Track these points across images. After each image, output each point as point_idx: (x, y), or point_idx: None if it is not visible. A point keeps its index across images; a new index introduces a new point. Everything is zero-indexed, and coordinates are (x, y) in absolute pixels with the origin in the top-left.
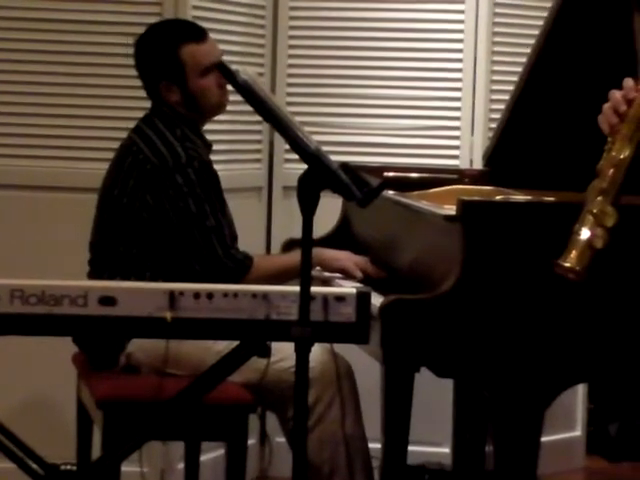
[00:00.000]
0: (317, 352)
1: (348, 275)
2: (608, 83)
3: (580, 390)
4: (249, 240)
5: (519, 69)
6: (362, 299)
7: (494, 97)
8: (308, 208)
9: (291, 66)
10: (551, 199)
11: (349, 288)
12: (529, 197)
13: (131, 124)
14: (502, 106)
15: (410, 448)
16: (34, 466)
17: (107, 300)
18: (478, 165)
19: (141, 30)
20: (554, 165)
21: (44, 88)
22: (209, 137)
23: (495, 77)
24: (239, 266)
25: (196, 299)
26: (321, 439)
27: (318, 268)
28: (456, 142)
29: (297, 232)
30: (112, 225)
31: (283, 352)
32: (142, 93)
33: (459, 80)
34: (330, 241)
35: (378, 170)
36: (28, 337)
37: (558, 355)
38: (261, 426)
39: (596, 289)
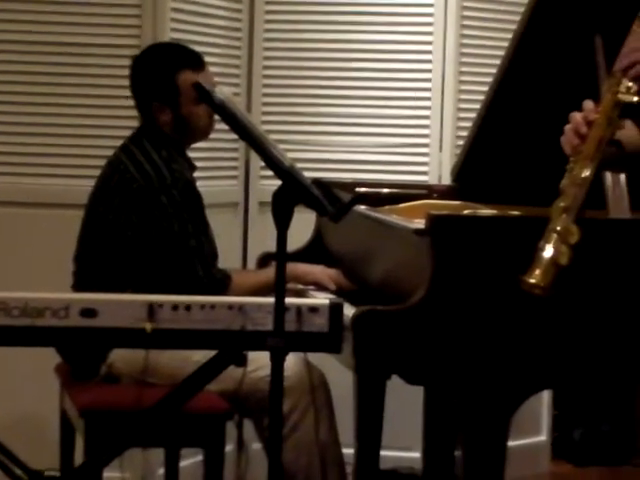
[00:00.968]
0: (292, 362)
1: (322, 287)
2: (571, 103)
3: (545, 397)
4: (226, 254)
5: (485, 88)
6: (335, 310)
7: (461, 115)
8: (282, 223)
9: (266, 86)
10: (516, 213)
11: (322, 299)
12: (495, 211)
13: (111, 143)
14: (469, 124)
15: (382, 453)
16: (18, 472)
17: (88, 312)
18: (446, 181)
19: (120, 51)
20: (519, 181)
21: (26, 108)
22: (188, 154)
23: (462, 96)
24: (218, 285)
25: (174, 310)
26: (296, 446)
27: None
28: (425, 159)
29: (272, 246)
30: (97, 240)
31: (259, 361)
32: (124, 112)
33: (428, 99)
34: (304, 255)
35: (350, 186)
36: (12, 348)
37: (523, 363)
38: (238, 433)
39: (559, 302)
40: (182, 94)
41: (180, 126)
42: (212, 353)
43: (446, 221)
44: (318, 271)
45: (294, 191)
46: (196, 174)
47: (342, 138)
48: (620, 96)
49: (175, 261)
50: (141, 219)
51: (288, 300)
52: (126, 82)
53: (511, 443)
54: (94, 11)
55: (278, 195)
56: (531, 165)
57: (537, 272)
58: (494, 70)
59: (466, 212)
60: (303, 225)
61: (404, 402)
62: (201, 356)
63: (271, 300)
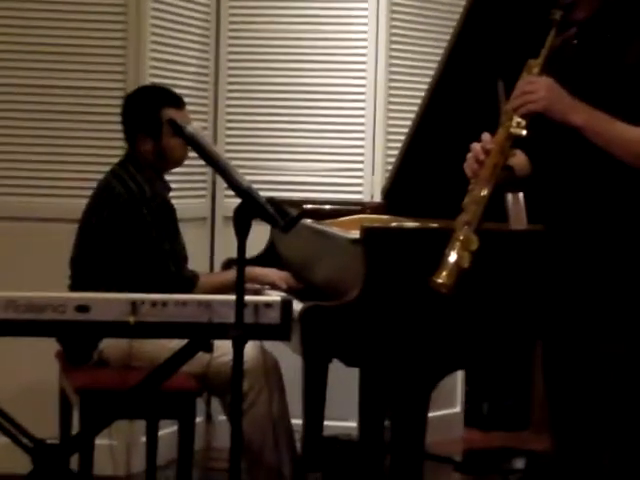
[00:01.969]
0: (250, 349)
1: (275, 287)
2: (474, 134)
3: (459, 376)
4: (196, 260)
5: (409, 123)
6: (285, 305)
7: (390, 145)
8: (242, 234)
9: (229, 121)
10: (434, 226)
11: (275, 297)
12: (417, 224)
13: (101, 168)
14: (396, 152)
15: (325, 423)
16: (25, 440)
17: (82, 308)
18: (377, 199)
19: (108, 93)
20: (437, 198)
21: (21, 131)
22: (165, 177)
23: (391, 129)
24: (187, 282)
25: (153, 306)
26: (253, 419)
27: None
28: (360, 180)
29: (234, 253)
30: (89, 247)
31: (223, 349)
32: (112, 143)
33: (362, 132)
34: (260, 260)
35: (298, 203)
36: (19, 337)
37: (439, 349)
38: (207, 408)
39: (467, 299)
40: (164, 127)
41: (159, 154)
42: (184, 341)
43: (377, 232)
44: (272, 273)
45: (251, 208)
46: (171, 194)
47: (292, 164)
48: (512, 130)
49: (152, 261)
50: (125, 227)
51: (247, 297)
52: (113, 118)
53: (431, 414)
54: (85, 60)
55: (238, 211)
56: (446, 185)
57: (443, 273)
58: (417, 108)
59: (393, 224)
60: (259, 235)
61: (343, 381)
62: (175, 344)
63: (233, 297)
